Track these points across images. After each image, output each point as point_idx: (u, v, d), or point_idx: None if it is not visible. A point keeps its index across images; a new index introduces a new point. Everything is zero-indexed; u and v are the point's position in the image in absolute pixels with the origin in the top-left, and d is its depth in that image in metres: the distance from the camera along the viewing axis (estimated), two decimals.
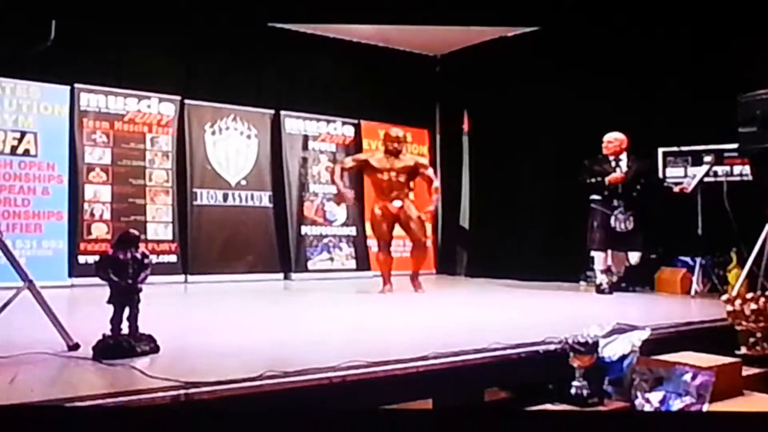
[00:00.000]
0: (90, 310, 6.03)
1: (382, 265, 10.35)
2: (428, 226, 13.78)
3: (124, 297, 5.19)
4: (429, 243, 13.84)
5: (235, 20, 11.74)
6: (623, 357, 5.51)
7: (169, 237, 12.01)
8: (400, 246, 10.63)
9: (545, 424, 4.57)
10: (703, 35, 10.07)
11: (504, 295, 10.54)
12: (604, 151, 10.49)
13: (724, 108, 9.58)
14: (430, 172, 10.53)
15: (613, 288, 10.33)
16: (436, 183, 10.71)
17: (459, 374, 5.19)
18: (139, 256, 5.28)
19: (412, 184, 10.53)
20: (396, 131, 10.28)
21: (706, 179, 10.16)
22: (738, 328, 6.35)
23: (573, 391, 5.17)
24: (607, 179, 10.30)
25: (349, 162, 10.67)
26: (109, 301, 5.17)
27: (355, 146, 13.95)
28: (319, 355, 5.03)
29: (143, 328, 5.26)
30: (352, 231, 13.74)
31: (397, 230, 10.30)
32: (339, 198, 10.98)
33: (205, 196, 12.39)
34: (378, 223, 10.22)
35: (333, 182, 10.62)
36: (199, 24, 11.59)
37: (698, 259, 10.08)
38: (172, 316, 7.57)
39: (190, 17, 11.37)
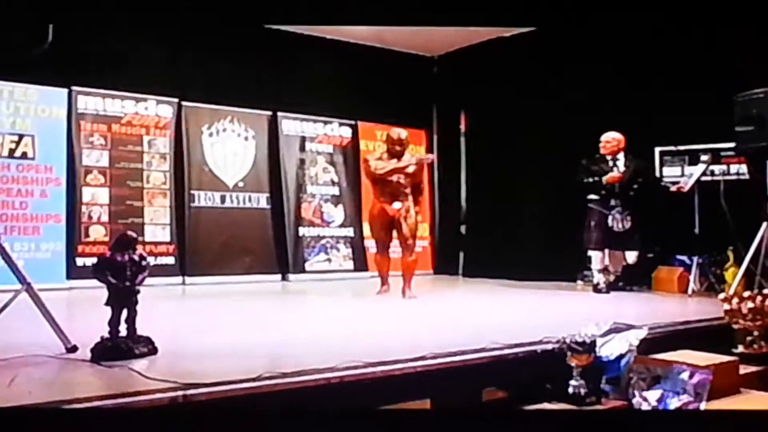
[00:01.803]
0: (88, 313, 6.04)
1: (380, 266, 10.28)
2: (425, 227, 13.84)
3: (122, 299, 5.20)
4: (426, 244, 13.89)
5: (232, 21, 11.72)
6: (620, 356, 5.52)
7: (167, 239, 11.97)
8: (399, 247, 10.59)
9: (543, 424, 4.58)
10: (700, 34, 10.06)
11: (501, 295, 10.54)
12: (602, 151, 10.52)
13: (720, 107, 9.60)
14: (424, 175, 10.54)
15: (611, 287, 10.35)
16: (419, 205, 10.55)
17: (457, 374, 5.21)
18: (136, 258, 5.30)
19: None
20: (398, 132, 10.13)
21: (703, 178, 10.17)
22: (735, 326, 6.36)
23: (570, 390, 5.18)
24: (604, 179, 10.32)
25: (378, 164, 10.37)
26: (106, 303, 5.19)
27: (352, 147, 13.97)
28: (318, 356, 5.03)
29: (141, 329, 5.27)
30: (349, 232, 13.72)
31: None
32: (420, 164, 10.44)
33: (203, 198, 12.36)
34: (376, 224, 10.14)
35: (395, 172, 10.26)
36: (196, 26, 11.58)
37: (695, 258, 10.08)
38: (169, 318, 7.60)
39: (188, 19, 11.35)
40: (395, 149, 9.99)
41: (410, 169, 9.93)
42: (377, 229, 10.17)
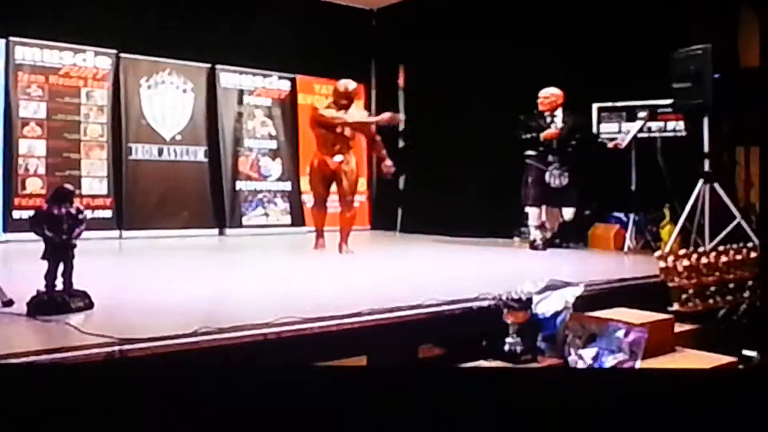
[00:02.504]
0: (24, 266, 6.03)
1: (317, 221, 10.23)
2: (363, 182, 13.81)
3: (59, 253, 5.19)
4: (364, 199, 13.86)
5: None
6: (557, 313, 5.52)
7: (104, 192, 11.87)
8: (336, 202, 10.52)
9: (479, 381, 4.57)
10: None
11: (438, 252, 10.54)
12: (540, 107, 10.51)
13: (658, 63, 9.62)
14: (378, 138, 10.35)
15: (547, 244, 10.38)
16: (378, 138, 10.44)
17: (393, 331, 5.21)
18: (73, 211, 5.29)
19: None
20: (345, 84, 9.95)
21: (640, 135, 10.20)
22: (670, 284, 6.38)
23: (506, 347, 5.17)
24: (542, 135, 10.33)
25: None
26: (43, 257, 5.17)
27: (290, 101, 13.91)
28: (254, 311, 5.06)
29: (78, 284, 5.25)
30: (287, 186, 13.66)
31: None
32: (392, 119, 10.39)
33: (140, 151, 12.25)
34: (315, 177, 10.03)
35: (350, 124, 10.03)
36: None
37: (632, 216, 10.13)
38: (106, 272, 7.52)
39: None
40: (341, 102, 9.87)
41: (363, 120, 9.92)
42: (316, 183, 10.07)
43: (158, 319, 4.88)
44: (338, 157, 9.74)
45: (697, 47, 9.22)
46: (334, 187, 9.90)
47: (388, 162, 10.27)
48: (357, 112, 10.27)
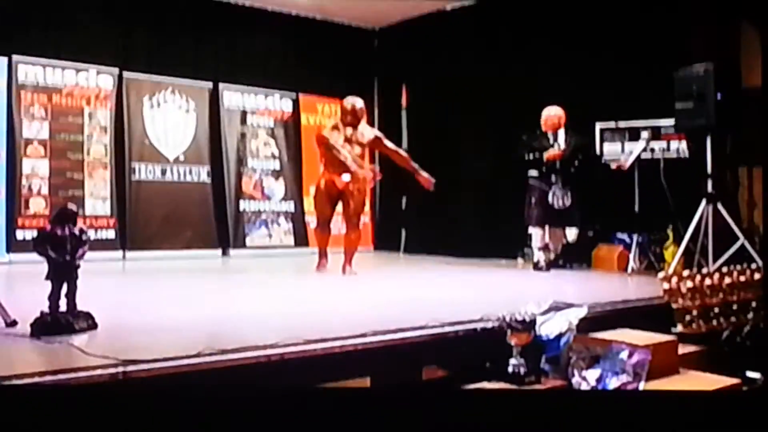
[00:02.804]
0: (28, 287, 6.00)
1: (320, 241, 10.15)
2: (367, 203, 13.84)
3: (62, 273, 5.20)
4: (367, 219, 13.87)
5: None
6: (560, 335, 5.52)
7: (107, 212, 11.84)
8: (339, 222, 10.50)
9: (482, 403, 4.57)
10: (640, 9, 10.06)
11: (442, 273, 10.54)
12: (543, 127, 10.52)
13: (661, 84, 9.64)
14: (390, 144, 10.35)
15: (551, 265, 10.37)
16: (402, 152, 10.56)
17: (396, 352, 5.22)
18: (77, 231, 5.32)
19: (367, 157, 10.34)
20: (352, 102, 9.95)
21: (643, 156, 10.19)
22: (674, 306, 6.37)
23: (510, 369, 5.18)
24: (545, 155, 10.33)
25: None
26: (47, 278, 5.17)
27: (293, 121, 13.88)
28: (258, 332, 5.09)
29: (81, 304, 5.26)
30: (290, 206, 13.64)
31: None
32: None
33: (144, 171, 12.23)
34: (321, 197, 9.95)
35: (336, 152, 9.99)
36: None
37: (635, 236, 10.12)
38: (110, 293, 7.51)
39: None
40: (347, 119, 9.85)
41: (352, 167, 9.64)
42: (322, 202, 9.98)
43: (162, 340, 4.89)
44: (346, 177, 9.63)
45: (700, 67, 9.24)
46: (339, 207, 9.88)
47: (424, 174, 10.15)
48: (367, 130, 10.19)
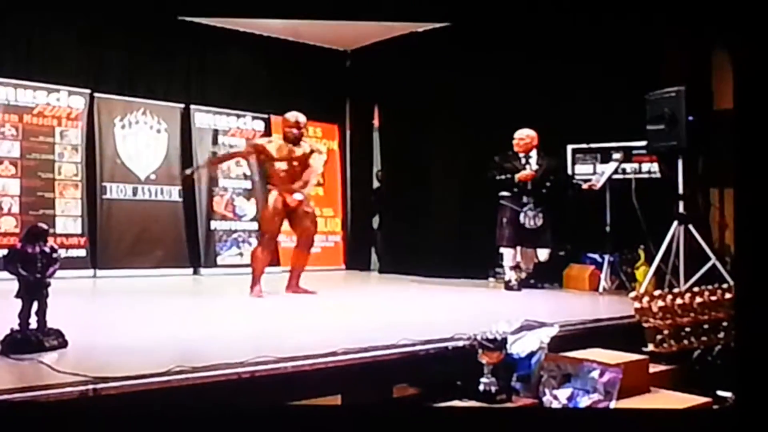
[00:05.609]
0: None
1: (260, 263, 9.59)
2: (338, 222, 13.84)
3: (33, 291, 5.20)
4: (338, 239, 13.86)
5: (146, 12, 11.59)
6: (531, 354, 5.53)
7: (78, 231, 11.80)
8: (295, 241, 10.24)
9: (453, 421, 4.56)
10: (612, 32, 10.10)
11: (413, 292, 10.56)
12: (515, 148, 10.53)
13: (632, 105, 9.69)
14: (315, 159, 9.80)
15: (522, 285, 10.37)
16: (315, 172, 9.89)
17: (368, 370, 5.21)
18: (47, 250, 5.31)
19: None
20: (294, 115, 9.74)
21: (615, 176, 10.23)
22: (645, 325, 6.39)
23: (481, 387, 5.17)
24: (517, 176, 10.33)
25: (242, 147, 10.07)
26: (17, 296, 5.18)
27: None
28: (228, 350, 5.08)
29: (51, 322, 5.26)
30: None
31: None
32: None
33: (115, 190, 12.20)
34: (271, 215, 9.52)
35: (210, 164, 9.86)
36: (110, 16, 11.44)
37: (606, 256, 10.14)
38: (80, 311, 7.47)
39: (100, 8, 11.20)
40: (292, 132, 9.66)
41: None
42: (270, 221, 9.56)
43: (132, 358, 4.87)
44: (298, 196, 9.42)
45: (671, 89, 9.30)
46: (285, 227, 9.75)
47: (299, 192, 9.52)
48: (306, 145, 9.85)
